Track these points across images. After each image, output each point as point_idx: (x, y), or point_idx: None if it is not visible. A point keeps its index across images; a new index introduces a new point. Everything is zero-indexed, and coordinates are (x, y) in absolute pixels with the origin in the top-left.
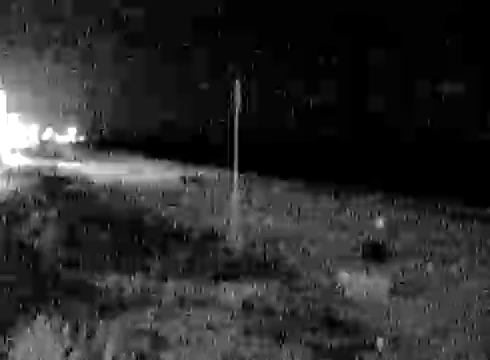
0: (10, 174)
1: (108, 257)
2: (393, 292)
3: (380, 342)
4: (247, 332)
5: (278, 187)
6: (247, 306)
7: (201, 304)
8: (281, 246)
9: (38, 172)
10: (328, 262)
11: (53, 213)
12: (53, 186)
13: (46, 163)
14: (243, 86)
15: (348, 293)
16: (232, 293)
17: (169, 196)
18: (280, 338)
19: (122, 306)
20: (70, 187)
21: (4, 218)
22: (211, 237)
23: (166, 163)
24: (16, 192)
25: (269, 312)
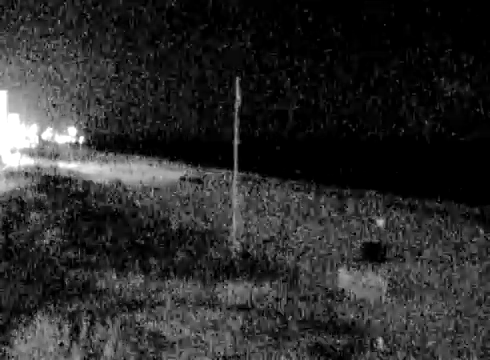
0: (10, 174)
1: (108, 257)
2: (392, 292)
3: (380, 341)
4: (247, 332)
5: (279, 187)
6: (247, 306)
7: (201, 304)
8: (281, 246)
9: (38, 172)
10: (328, 262)
11: (53, 213)
12: (53, 186)
13: (46, 163)
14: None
15: (348, 293)
16: (232, 293)
17: (169, 196)
18: (280, 337)
19: (122, 306)
20: (70, 187)
21: (4, 218)
22: (211, 237)
23: (167, 163)
24: (16, 192)
25: (269, 312)
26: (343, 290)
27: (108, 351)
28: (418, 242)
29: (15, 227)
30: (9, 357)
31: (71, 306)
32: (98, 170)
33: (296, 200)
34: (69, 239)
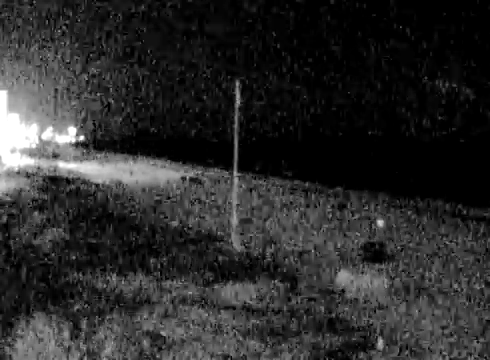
0: (10, 174)
1: (108, 257)
2: (393, 292)
3: (380, 342)
4: (247, 332)
5: (278, 187)
6: (247, 306)
7: (201, 304)
8: (281, 246)
9: (38, 172)
10: (328, 262)
11: (53, 213)
12: (53, 186)
13: (46, 163)
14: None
15: (348, 293)
16: (232, 293)
17: (169, 196)
18: (280, 337)
19: (122, 306)
20: (70, 187)
21: (5, 218)
22: (211, 237)
23: (167, 163)
24: (16, 192)
25: (269, 312)
26: (343, 290)
27: (108, 351)
28: (418, 242)
29: (15, 227)
30: (9, 357)
31: (71, 306)
32: (98, 170)
33: (296, 200)
34: (69, 239)
